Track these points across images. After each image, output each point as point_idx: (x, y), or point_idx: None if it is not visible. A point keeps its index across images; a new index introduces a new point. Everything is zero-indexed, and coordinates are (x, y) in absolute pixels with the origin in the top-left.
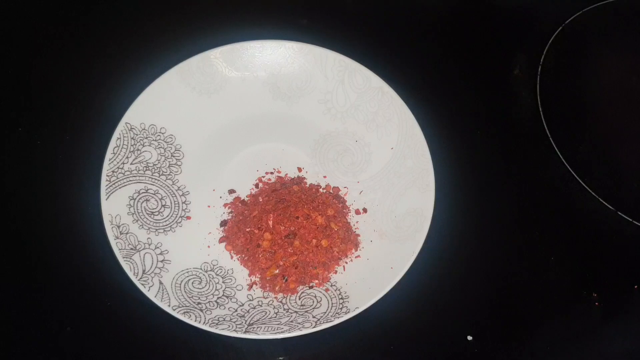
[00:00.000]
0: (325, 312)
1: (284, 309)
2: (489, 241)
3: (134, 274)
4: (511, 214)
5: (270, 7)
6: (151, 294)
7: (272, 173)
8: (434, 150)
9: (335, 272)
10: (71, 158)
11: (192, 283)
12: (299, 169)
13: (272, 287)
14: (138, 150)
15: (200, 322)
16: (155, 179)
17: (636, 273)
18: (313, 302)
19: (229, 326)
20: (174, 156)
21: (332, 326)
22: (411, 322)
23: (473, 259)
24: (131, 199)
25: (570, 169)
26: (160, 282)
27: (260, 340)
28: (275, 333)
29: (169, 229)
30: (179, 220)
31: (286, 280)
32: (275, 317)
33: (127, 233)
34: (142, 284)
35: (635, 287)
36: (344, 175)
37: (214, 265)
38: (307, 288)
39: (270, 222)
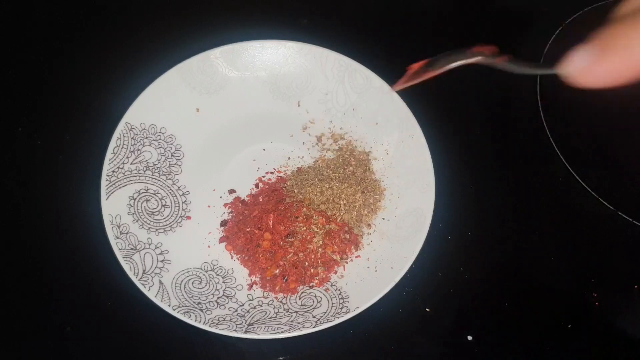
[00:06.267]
0: (325, 312)
1: (284, 309)
2: (488, 241)
3: (134, 274)
4: (511, 214)
5: (270, 7)
6: (151, 293)
7: (272, 173)
8: (434, 150)
9: (335, 272)
10: (71, 158)
11: (192, 283)
12: (299, 169)
13: (272, 287)
14: (138, 150)
15: (200, 322)
16: (156, 179)
17: (636, 273)
18: (313, 302)
19: (229, 326)
20: (174, 156)
21: (332, 326)
22: (411, 322)
23: (473, 259)
24: (131, 199)
25: (570, 169)
26: (161, 282)
27: (260, 340)
28: (276, 333)
29: (169, 228)
30: (179, 220)
31: (286, 280)
32: (276, 317)
33: (127, 233)
34: (142, 284)
35: (635, 287)
36: None
37: (214, 265)
38: (307, 288)
39: (271, 222)
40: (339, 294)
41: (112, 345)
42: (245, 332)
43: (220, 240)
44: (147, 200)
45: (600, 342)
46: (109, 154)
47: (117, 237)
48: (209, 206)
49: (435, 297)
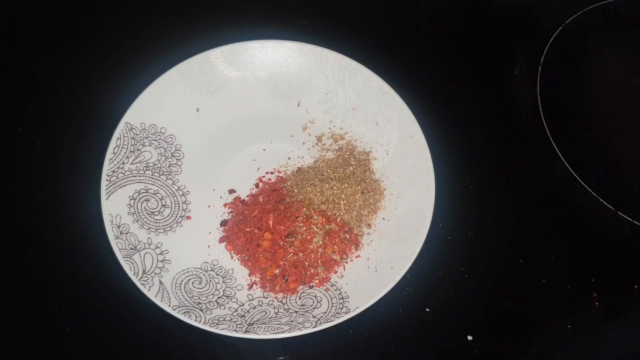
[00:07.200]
0: (325, 312)
1: (284, 309)
2: (488, 241)
3: (134, 274)
4: (511, 214)
5: (270, 7)
6: (151, 293)
7: (272, 173)
8: (434, 150)
9: (335, 272)
10: (71, 158)
11: (192, 283)
12: (299, 169)
13: (272, 287)
14: (138, 150)
15: (200, 322)
16: (156, 179)
17: (636, 273)
18: (313, 302)
19: (229, 326)
20: (174, 156)
21: (332, 326)
22: (411, 322)
23: (473, 259)
24: (131, 199)
25: (570, 169)
26: (161, 282)
27: (260, 340)
28: (275, 333)
29: (169, 228)
30: (179, 220)
31: (286, 280)
32: (276, 317)
33: (127, 233)
34: (142, 284)
35: (636, 287)
36: None
37: (214, 265)
38: (307, 288)
39: (271, 222)
40: (339, 294)
41: (112, 345)
42: (245, 332)
43: (220, 240)
44: (147, 200)
45: (600, 342)
46: (109, 154)
47: (117, 237)
48: (209, 206)
49: (435, 297)
